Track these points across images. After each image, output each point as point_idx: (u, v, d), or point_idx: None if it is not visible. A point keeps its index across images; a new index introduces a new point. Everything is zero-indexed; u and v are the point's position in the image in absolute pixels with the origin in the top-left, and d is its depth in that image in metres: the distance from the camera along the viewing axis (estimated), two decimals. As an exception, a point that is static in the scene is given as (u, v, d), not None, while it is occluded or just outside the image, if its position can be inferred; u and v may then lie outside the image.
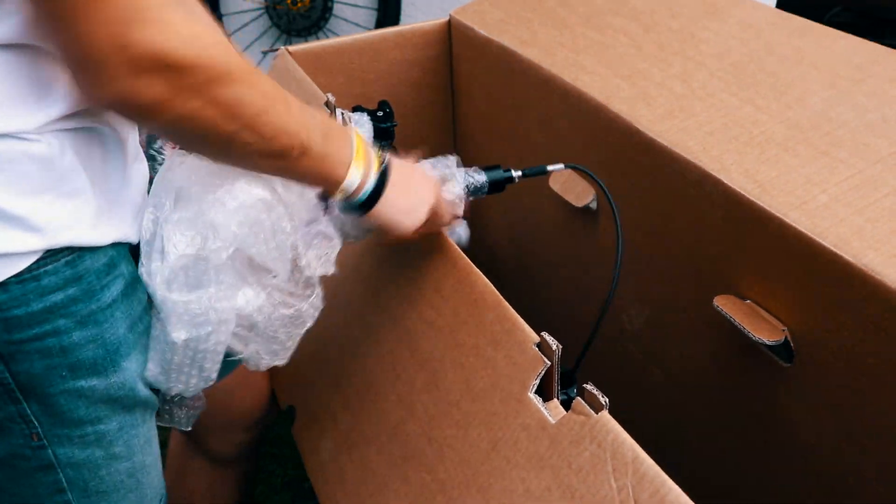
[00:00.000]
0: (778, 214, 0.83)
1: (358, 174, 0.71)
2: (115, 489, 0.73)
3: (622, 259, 0.84)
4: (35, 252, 0.61)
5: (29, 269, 0.60)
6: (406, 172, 0.77)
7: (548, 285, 1.35)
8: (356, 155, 0.71)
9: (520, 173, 0.91)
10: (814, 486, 0.91)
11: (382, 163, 0.74)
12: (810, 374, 0.86)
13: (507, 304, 0.78)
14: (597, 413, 0.65)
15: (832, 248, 0.78)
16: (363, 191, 0.72)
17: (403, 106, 1.40)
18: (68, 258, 0.62)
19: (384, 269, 0.97)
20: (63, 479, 0.70)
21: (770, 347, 0.86)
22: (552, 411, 0.69)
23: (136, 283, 0.70)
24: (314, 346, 1.06)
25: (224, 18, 2.80)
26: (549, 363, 0.71)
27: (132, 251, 0.72)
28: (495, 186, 0.91)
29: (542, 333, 0.73)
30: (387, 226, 0.77)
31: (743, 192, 0.87)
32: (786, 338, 0.86)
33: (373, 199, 0.73)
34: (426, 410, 0.81)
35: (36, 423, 0.66)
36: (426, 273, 0.88)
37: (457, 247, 0.86)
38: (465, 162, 0.93)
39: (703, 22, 1.18)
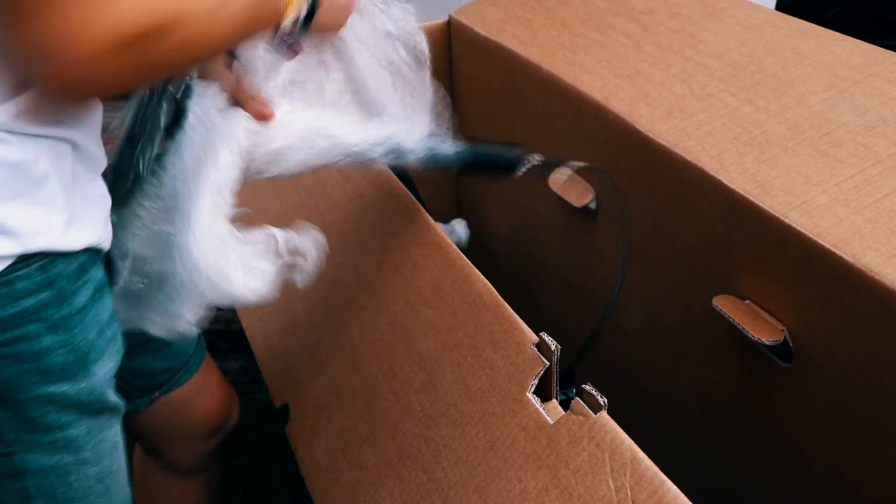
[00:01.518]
0: (777, 215, 0.83)
1: (293, 12, 0.70)
2: (83, 495, 0.72)
3: (626, 261, 0.84)
4: (9, 257, 0.60)
5: (2, 274, 0.60)
6: None
7: (547, 285, 1.35)
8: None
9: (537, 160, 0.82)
10: (812, 485, 0.91)
11: None
12: (809, 375, 0.86)
13: (505, 304, 0.78)
14: (595, 413, 0.65)
15: (831, 248, 0.78)
16: (300, 18, 0.71)
17: (403, 106, 1.40)
18: (41, 263, 0.62)
19: (382, 269, 0.97)
20: (30, 487, 0.69)
21: (769, 347, 0.86)
22: (550, 411, 0.69)
23: (103, 289, 0.70)
24: (309, 344, 1.06)
25: (224, 19, 2.79)
26: (547, 364, 0.71)
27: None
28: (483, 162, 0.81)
29: (541, 334, 0.73)
30: (329, 29, 0.77)
31: (742, 193, 0.87)
32: (785, 338, 0.86)
33: (310, 18, 0.72)
34: (423, 410, 0.81)
35: (3, 429, 0.65)
36: (424, 273, 0.88)
37: (455, 247, 0.86)
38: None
39: (702, 22, 1.18)
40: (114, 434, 0.74)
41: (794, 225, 0.82)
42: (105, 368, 0.70)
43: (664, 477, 0.59)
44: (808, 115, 0.95)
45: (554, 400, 0.71)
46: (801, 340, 0.85)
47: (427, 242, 0.89)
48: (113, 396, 0.72)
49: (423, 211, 0.94)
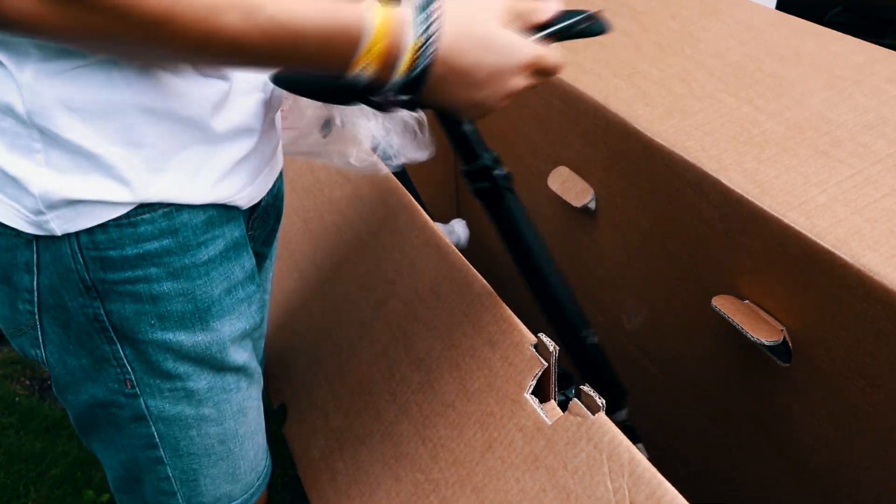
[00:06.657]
0: (776, 215, 0.83)
1: (372, 70, 0.52)
2: (205, 454, 0.73)
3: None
4: (129, 203, 0.61)
5: (127, 215, 0.61)
6: (467, 30, 0.55)
7: (547, 286, 1.35)
8: (372, 42, 0.52)
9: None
10: (811, 485, 0.91)
11: (423, 45, 0.52)
12: (808, 374, 0.86)
13: (504, 304, 0.78)
14: (593, 414, 0.65)
15: (830, 248, 0.78)
16: (391, 83, 0.54)
17: (403, 106, 1.40)
18: (166, 210, 0.63)
19: (380, 268, 0.97)
20: (155, 434, 0.70)
21: (768, 348, 0.86)
22: (548, 412, 0.69)
23: (240, 249, 0.70)
24: (307, 344, 1.06)
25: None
26: (545, 364, 0.70)
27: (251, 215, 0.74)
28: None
29: (540, 335, 0.72)
30: (451, 111, 0.58)
31: (741, 192, 0.87)
32: (784, 338, 0.85)
33: (415, 87, 0.54)
34: (420, 410, 0.81)
35: (129, 367, 0.67)
36: (423, 273, 0.88)
37: (454, 247, 0.86)
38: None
39: (702, 22, 1.17)
40: (242, 399, 0.74)
41: (793, 225, 0.81)
42: (232, 328, 0.70)
43: (662, 478, 0.59)
44: (808, 114, 0.95)
45: (552, 401, 0.71)
46: (801, 340, 0.85)
47: (426, 242, 0.89)
48: (236, 358, 0.72)
49: (422, 211, 0.94)
